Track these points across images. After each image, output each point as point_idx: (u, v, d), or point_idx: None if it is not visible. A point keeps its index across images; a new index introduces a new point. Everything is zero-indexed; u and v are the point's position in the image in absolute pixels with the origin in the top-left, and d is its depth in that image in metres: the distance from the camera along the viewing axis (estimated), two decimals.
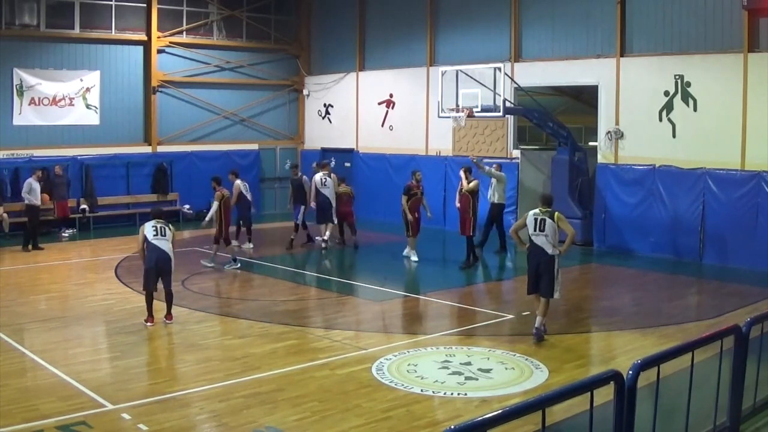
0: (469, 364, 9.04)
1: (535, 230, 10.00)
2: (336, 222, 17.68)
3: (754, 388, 6.59)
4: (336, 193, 17.53)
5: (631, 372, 4.88)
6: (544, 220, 9.98)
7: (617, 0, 17.07)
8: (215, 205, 14.97)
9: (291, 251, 17.34)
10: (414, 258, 15.96)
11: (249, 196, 16.95)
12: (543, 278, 10.02)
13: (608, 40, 17.40)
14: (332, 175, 17.83)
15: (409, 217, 15.73)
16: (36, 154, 19.94)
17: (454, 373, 8.72)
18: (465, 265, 15.41)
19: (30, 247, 16.97)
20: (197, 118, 23.06)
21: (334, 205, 17.40)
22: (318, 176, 17.43)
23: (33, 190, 17.27)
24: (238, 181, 16.62)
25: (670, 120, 16.40)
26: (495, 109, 16.47)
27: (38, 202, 17.42)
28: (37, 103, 20.21)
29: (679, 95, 16.24)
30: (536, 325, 10.06)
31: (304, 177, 17.86)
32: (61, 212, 19.16)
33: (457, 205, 15.78)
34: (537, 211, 10.09)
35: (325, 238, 17.35)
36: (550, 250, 9.97)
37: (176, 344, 10.17)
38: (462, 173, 15.74)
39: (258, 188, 23.41)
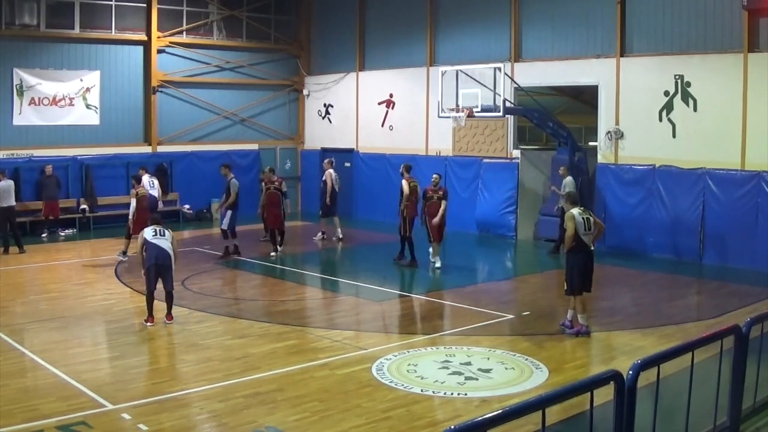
0: (469, 364, 9.04)
1: (585, 230, 10.25)
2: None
3: (754, 388, 6.59)
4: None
5: (631, 372, 4.88)
6: (589, 218, 10.37)
7: (617, 0, 17.07)
8: (132, 202, 15.69)
9: (227, 258, 16.19)
10: (437, 264, 15.02)
11: (154, 192, 17.88)
12: (589, 275, 10.41)
13: (608, 40, 17.40)
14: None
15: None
16: (36, 154, 19.94)
17: (454, 373, 8.72)
18: (401, 259, 15.50)
19: (18, 248, 16.68)
20: (197, 118, 23.05)
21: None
22: (334, 174, 18.40)
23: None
24: (144, 177, 17.80)
25: (670, 120, 16.40)
26: (495, 109, 16.45)
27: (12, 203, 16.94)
28: (37, 103, 20.20)
29: (679, 95, 16.24)
30: (584, 323, 10.34)
31: (233, 180, 16.37)
32: (49, 212, 19.10)
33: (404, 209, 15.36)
34: (580, 210, 10.40)
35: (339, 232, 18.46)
36: (592, 247, 10.43)
37: (176, 344, 10.16)
38: (402, 172, 15.68)
39: (258, 188, 23.35)
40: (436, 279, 14.54)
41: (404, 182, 15.39)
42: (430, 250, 15.22)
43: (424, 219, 15.00)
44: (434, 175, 15.27)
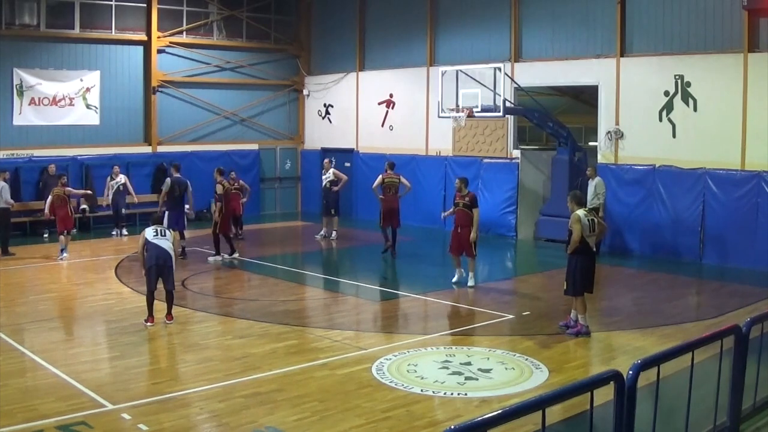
0: (469, 364, 9.04)
1: (590, 231, 10.20)
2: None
3: (754, 388, 6.58)
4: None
5: (631, 372, 4.88)
6: (594, 219, 10.32)
7: (617, 0, 17.08)
8: (48, 198, 16.60)
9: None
10: (470, 282, 13.50)
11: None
12: (591, 276, 10.34)
13: (608, 40, 17.40)
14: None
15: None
16: (36, 154, 19.93)
17: (454, 373, 8.72)
18: (390, 250, 16.54)
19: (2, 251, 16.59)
20: (197, 118, 23.05)
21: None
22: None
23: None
24: (121, 176, 19.52)
25: (670, 120, 16.40)
26: (495, 109, 16.47)
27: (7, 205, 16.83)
28: (37, 103, 20.20)
29: (679, 95, 16.24)
30: (585, 323, 10.34)
31: (167, 178, 16.44)
32: (52, 212, 19.05)
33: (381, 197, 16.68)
34: (585, 212, 10.35)
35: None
36: (594, 248, 10.36)
37: (176, 344, 10.17)
38: (386, 168, 16.88)
39: (258, 188, 23.45)
40: (436, 279, 14.52)
41: (379, 177, 16.69)
42: (460, 269, 13.72)
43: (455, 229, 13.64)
44: (456, 180, 13.96)
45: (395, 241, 16.54)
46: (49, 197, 16.55)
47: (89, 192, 19.64)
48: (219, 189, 16.14)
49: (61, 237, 16.40)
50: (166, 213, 15.87)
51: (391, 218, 16.42)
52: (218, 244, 16.10)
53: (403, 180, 16.88)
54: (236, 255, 16.13)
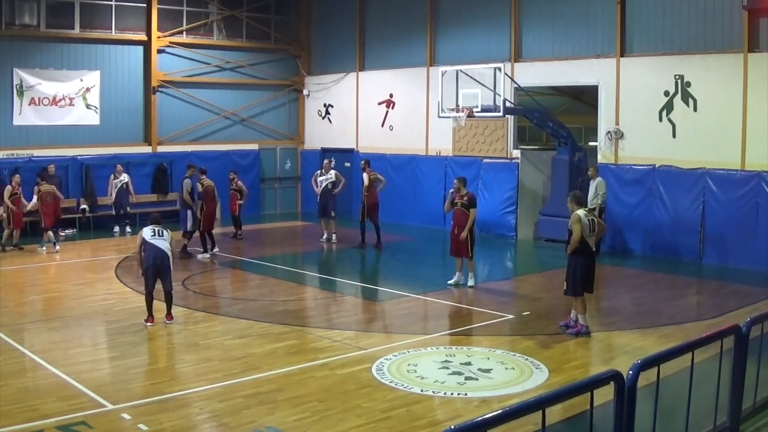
0: (469, 364, 9.04)
1: (590, 231, 10.19)
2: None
3: (754, 388, 6.58)
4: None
5: (631, 372, 4.88)
6: (594, 219, 10.32)
7: (617, 0, 17.07)
8: (34, 198, 17.36)
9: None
10: (470, 282, 13.47)
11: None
12: (591, 276, 10.34)
13: (608, 40, 17.40)
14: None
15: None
16: (36, 154, 19.93)
17: (454, 373, 8.72)
18: (362, 245, 17.40)
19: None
20: (197, 118, 23.05)
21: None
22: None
23: None
24: (124, 175, 19.84)
25: (670, 120, 16.41)
26: (495, 109, 16.46)
27: None
28: (37, 103, 20.20)
29: (679, 95, 16.24)
30: (585, 323, 10.34)
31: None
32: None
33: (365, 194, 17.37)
34: (585, 212, 10.35)
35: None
36: (594, 248, 10.38)
37: (176, 344, 10.17)
38: (363, 167, 17.67)
39: (258, 188, 23.45)
40: (436, 279, 14.52)
41: (365, 175, 17.28)
42: (461, 273, 13.55)
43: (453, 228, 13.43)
44: (454, 181, 13.55)
45: (380, 234, 17.26)
46: (35, 198, 17.18)
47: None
48: (198, 187, 16.69)
49: (49, 233, 16.85)
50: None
51: (373, 213, 17.26)
52: (212, 240, 16.59)
53: (379, 176, 17.72)
54: (207, 255, 16.21)
